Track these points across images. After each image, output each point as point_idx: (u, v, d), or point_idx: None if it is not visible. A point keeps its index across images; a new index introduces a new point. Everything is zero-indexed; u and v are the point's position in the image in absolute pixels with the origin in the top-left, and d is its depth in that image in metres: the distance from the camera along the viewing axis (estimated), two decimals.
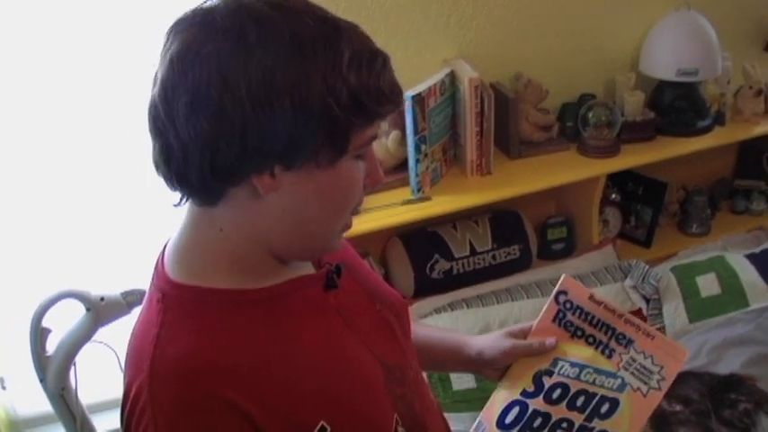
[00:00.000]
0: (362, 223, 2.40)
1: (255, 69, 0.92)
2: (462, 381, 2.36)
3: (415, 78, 2.46)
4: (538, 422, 1.30)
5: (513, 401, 1.33)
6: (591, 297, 1.33)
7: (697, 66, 2.80)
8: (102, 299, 2.07)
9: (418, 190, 2.53)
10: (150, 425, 0.98)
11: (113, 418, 2.66)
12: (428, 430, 1.26)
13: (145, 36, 2.18)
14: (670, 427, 2.19)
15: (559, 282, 1.35)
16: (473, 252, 2.75)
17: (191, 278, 1.05)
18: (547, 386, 1.32)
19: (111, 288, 2.11)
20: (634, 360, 1.31)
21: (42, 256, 2.54)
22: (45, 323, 2.07)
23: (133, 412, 1.00)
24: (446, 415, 1.47)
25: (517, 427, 1.31)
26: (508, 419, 1.31)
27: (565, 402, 1.31)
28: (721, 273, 2.72)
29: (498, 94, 2.62)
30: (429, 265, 2.72)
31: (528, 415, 1.31)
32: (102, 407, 2.71)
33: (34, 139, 2.37)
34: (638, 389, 1.30)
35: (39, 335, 2.08)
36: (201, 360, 0.99)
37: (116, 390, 2.34)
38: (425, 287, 2.71)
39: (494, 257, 2.78)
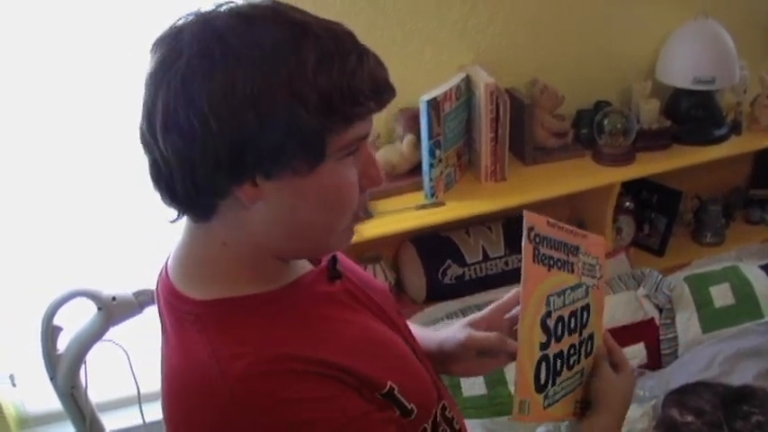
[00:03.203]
0: (375, 227, 2.40)
1: (216, 85, 0.91)
2: (473, 387, 2.35)
3: (431, 83, 2.46)
4: (558, 364, 1.33)
5: (538, 361, 1.33)
6: (548, 222, 1.36)
7: (714, 74, 2.78)
8: (113, 298, 2.08)
9: (432, 195, 2.52)
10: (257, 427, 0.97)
11: (122, 417, 2.67)
12: (443, 399, 1.28)
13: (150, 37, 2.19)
14: None
15: (524, 220, 1.33)
16: (486, 258, 2.74)
17: (214, 292, 1.04)
18: (552, 327, 1.34)
19: (122, 287, 2.12)
20: (585, 263, 1.38)
21: (55, 254, 2.55)
22: (56, 321, 2.08)
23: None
24: None
25: (550, 381, 1.32)
26: (542, 380, 1.32)
27: (566, 332, 1.35)
28: (735, 283, 2.70)
29: (514, 99, 2.61)
30: (441, 271, 2.71)
31: (551, 364, 1.33)
32: (112, 405, 2.72)
33: (46, 138, 2.38)
34: (594, 285, 1.37)
35: (50, 333, 2.08)
36: (270, 351, 0.99)
37: (126, 389, 2.36)
38: (437, 292, 2.71)
39: (506, 263, 2.77)
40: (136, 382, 2.27)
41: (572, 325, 1.35)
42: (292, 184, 0.98)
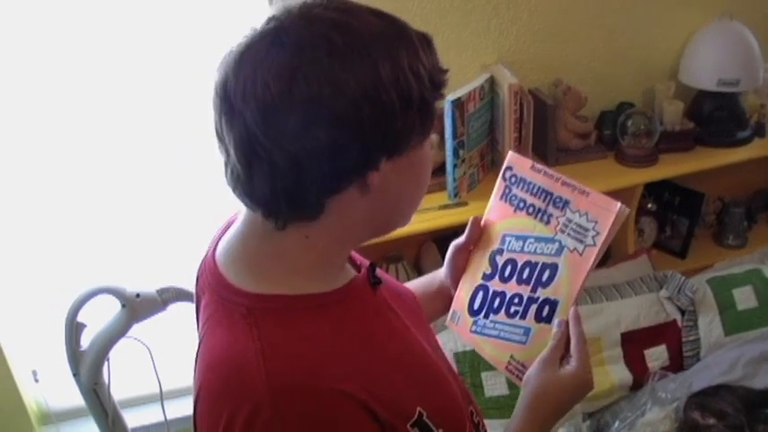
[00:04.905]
0: None
1: (360, 71, 0.93)
2: (495, 388, 2.35)
3: (455, 83, 2.45)
4: (497, 302, 1.35)
5: (477, 287, 1.39)
6: (532, 167, 1.37)
7: (738, 76, 2.77)
8: (137, 295, 2.08)
9: (455, 195, 2.52)
10: None
11: (145, 414, 2.68)
12: (472, 403, 1.30)
13: (189, 46, 2.20)
14: None
15: (506, 159, 1.40)
16: None
17: (272, 287, 1.04)
18: (500, 265, 1.36)
19: (146, 285, 2.12)
20: (570, 221, 1.30)
21: (79, 251, 2.56)
22: (80, 318, 2.09)
23: None
24: None
25: (483, 311, 1.37)
26: (476, 305, 1.38)
27: (515, 278, 1.34)
28: (758, 286, 2.69)
29: (537, 100, 2.60)
30: None
31: (489, 297, 1.37)
32: (134, 402, 2.73)
33: (69, 137, 2.40)
34: (575, 249, 1.28)
35: (74, 329, 2.09)
36: (319, 363, 0.99)
37: (148, 386, 2.37)
38: None
39: None
40: (158, 380, 2.28)
41: (524, 275, 1.33)
42: (408, 159, 1.03)
